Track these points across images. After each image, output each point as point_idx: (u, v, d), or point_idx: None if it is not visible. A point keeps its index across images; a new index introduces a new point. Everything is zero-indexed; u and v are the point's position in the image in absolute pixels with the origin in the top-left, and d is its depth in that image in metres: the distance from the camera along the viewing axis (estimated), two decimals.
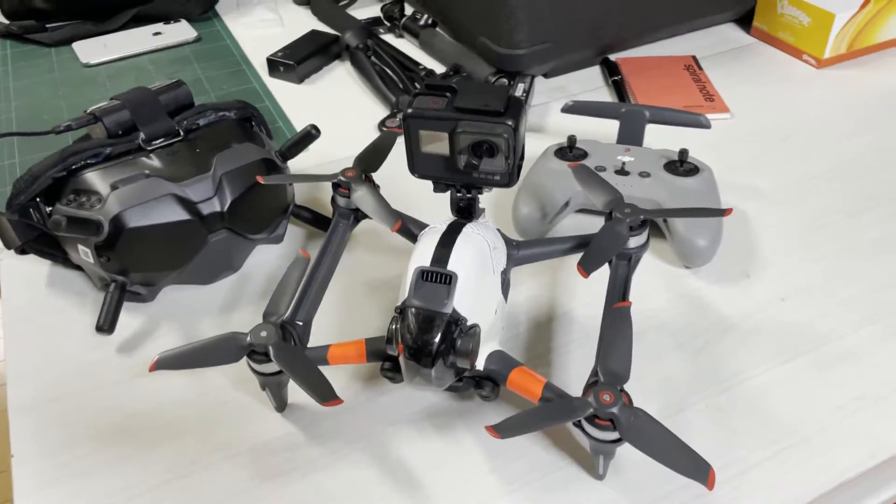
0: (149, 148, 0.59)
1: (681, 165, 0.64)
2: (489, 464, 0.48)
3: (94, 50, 0.98)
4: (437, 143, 0.45)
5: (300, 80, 0.92)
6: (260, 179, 0.57)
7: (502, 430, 0.42)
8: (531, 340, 0.56)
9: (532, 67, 0.86)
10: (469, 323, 0.43)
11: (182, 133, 0.61)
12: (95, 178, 0.57)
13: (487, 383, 0.46)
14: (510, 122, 0.43)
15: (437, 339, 0.42)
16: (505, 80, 0.85)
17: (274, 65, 0.92)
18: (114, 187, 0.56)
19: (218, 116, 0.64)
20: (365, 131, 0.82)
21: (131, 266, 0.57)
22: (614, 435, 0.42)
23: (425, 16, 0.98)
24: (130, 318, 0.60)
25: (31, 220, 0.58)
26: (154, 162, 0.58)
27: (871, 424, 0.49)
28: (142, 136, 0.60)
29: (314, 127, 0.63)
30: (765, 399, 0.51)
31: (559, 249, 0.53)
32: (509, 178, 0.45)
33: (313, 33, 0.97)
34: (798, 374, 0.53)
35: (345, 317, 0.59)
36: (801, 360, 0.54)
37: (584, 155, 0.66)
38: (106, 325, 0.56)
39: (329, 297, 0.60)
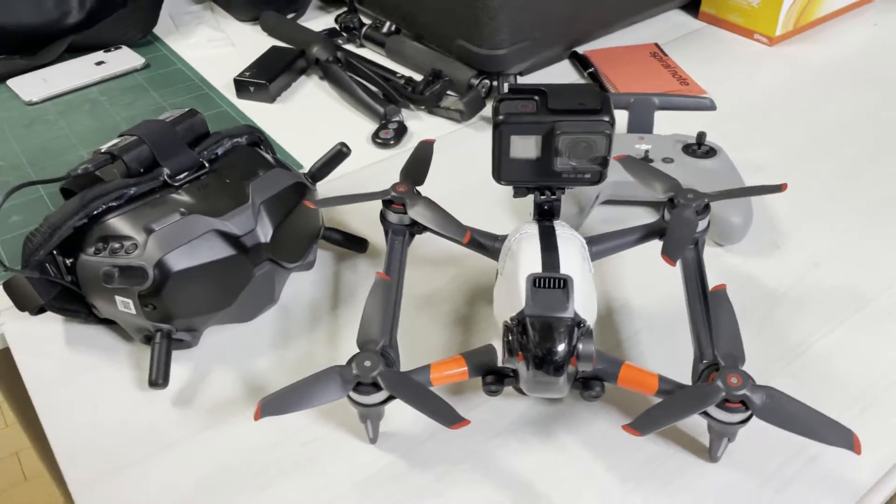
0: (176, 184, 0.55)
1: (699, 148, 0.66)
2: (601, 463, 0.48)
3: (33, 86, 0.90)
4: (527, 147, 0.44)
5: (273, 99, 0.88)
6: (309, 204, 0.54)
7: (642, 428, 0.42)
8: (598, 335, 0.56)
9: (513, 66, 0.87)
10: (586, 324, 0.43)
11: (207, 164, 0.57)
12: (125, 222, 0.53)
13: (598, 383, 0.46)
14: (607, 119, 0.43)
15: (563, 346, 0.41)
16: (487, 82, 0.85)
17: (243, 85, 0.88)
18: (149, 230, 0.52)
19: (233, 143, 0.60)
20: (353, 145, 0.79)
21: (178, 312, 0.53)
22: (743, 416, 0.42)
23: (388, 23, 0.96)
24: (177, 366, 0.55)
25: (49, 275, 0.53)
26: (185, 198, 0.54)
27: None
28: (166, 171, 0.55)
29: (344, 145, 0.60)
30: (832, 362, 0.54)
31: (628, 241, 0.53)
32: (600, 176, 0.45)
33: (275, 50, 0.93)
34: (855, 334, 0.56)
35: (403, 336, 0.57)
36: (853, 321, 0.57)
37: None
38: (160, 378, 0.51)
39: (409, 311, 0.58)
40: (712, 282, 0.60)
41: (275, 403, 0.43)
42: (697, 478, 0.47)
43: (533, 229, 0.46)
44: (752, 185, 0.56)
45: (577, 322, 0.42)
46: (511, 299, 0.44)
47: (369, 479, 0.47)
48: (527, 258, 0.44)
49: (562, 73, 0.92)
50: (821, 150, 0.76)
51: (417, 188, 0.56)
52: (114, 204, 0.54)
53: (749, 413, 0.42)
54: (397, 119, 0.82)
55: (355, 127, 0.83)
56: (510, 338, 0.43)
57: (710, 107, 0.70)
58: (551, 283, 0.42)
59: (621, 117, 0.77)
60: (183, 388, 0.54)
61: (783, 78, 0.89)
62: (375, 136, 0.80)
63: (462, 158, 0.77)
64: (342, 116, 0.85)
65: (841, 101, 0.84)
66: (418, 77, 0.89)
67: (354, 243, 0.64)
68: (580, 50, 0.95)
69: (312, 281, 0.63)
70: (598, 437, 0.49)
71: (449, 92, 0.86)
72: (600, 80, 0.88)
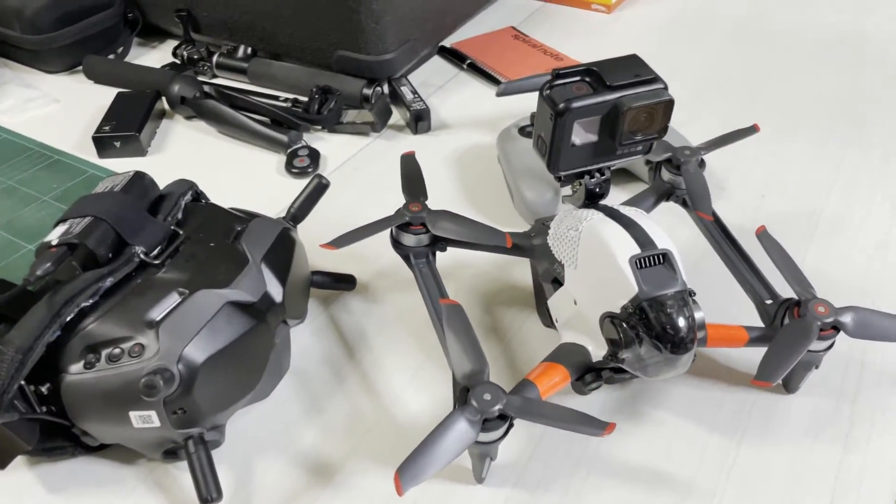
0: (156, 261, 0.46)
1: None
2: (701, 426, 0.48)
3: None
4: (588, 131, 0.43)
5: (145, 151, 0.77)
6: (329, 247, 0.48)
7: (769, 377, 0.42)
8: None
9: (401, 69, 0.84)
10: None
11: (180, 232, 0.48)
12: (115, 322, 0.43)
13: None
14: (664, 85, 0.42)
15: (688, 321, 0.41)
16: (381, 89, 0.82)
17: (105, 142, 0.75)
18: (150, 323, 0.43)
19: (185, 201, 0.52)
20: (259, 180, 0.72)
21: (209, 408, 0.44)
22: (832, 341, 0.45)
23: (241, 47, 0.88)
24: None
25: (29, 412, 0.42)
26: (175, 275, 0.45)
27: None
28: (139, 249, 0.46)
29: (320, 177, 0.54)
30: (821, 273, 0.59)
31: (647, 207, 0.54)
32: (652, 146, 0.45)
33: (125, 97, 0.81)
34: (823, 242, 0.62)
35: (442, 358, 0.53)
36: (819, 232, 0.63)
37: None
38: (213, 490, 0.42)
39: (425, 334, 0.54)
40: (687, 233, 0.62)
41: (412, 471, 0.38)
42: (786, 410, 0.49)
43: (596, 214, 0.45)
44: (731, 132, 0.59)
45: (690, 292, 0.42)
46: (608, 288, 0.42)
47: None
48: (616, 242, 0.42)
49: (436, 70, 0.91)
50: (728, 101, 0.82)
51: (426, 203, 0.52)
52: (88, 303, 0.43)
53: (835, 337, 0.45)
54: (303, 144, 0.75)
55: (257, 161, 0.75)
56: (625, 326, 0.41)
57: None
58: (653, 260, 0.41)
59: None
60: (233, 494, 0.45)
61: (641, 41, 0.96)
62: (290, 166, 0.73)
63: (397, 169, 0.73)
64: (235, 153, 0.76)
65: (708, 52, 0.92)
66: (301, 98, 0.83)
67: (343, 282, 0.58)
68: (447, 44, 0.95)
69: (311, 333, 0.56)
70: (679, 404, 0.50)
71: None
72: (483, 69, 0.88)
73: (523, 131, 0.68)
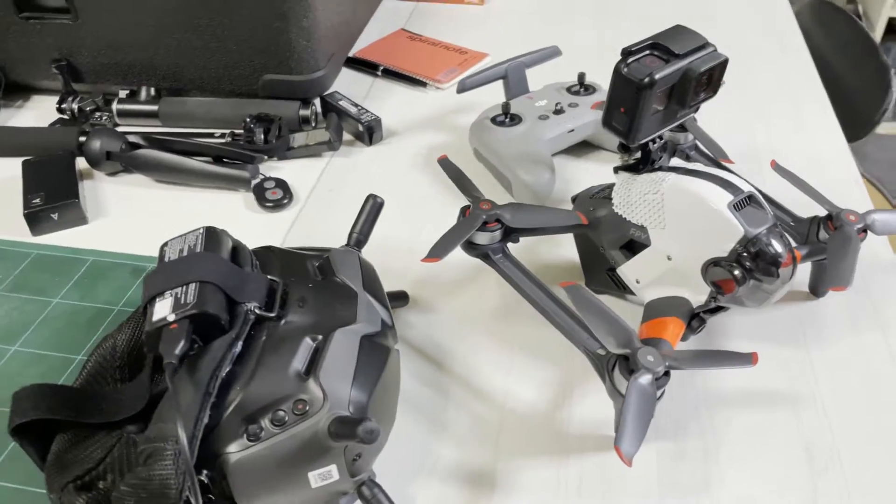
0: (271, 314, 0.43)
1: (584, 89, 0.74)
2: (777, 342, 0.54)
3: None
4: (660, 100, 0.47)
5: (87, 218, 0.68)
6: (431, 260, 0.47)
7: (845, 280, 0.49)
8: None
9: (331, 85, 0.82)
10: None
11: (276, 279, 0.45)
12: (266, 385, 0.40)
13: None
14: (714, 47, 0.47)
15: (788, 247, 0.46)
16: (316, 107, 0.79)
17: (39, 217, 0.66)
18: (302, 376, 0.40)
19: (253, 251, 0.48)
20: (231, 222, 0.68)
21: (376, 449, 0.42)
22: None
23: (143, 89, 0.81)
24: None
25: None
26: (297, 322, 0.43)
27: None
28: (252, 306, 0.42)
29: (374, 196, 0.52)
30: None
31: None
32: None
33: (35, 164, 0.71)
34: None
35: (524, 349, 0.54)
36: (763, 170, 0.72)
37: (520, 117, 0.70)
38: None
39: (501, 328, 0.55)
40: None
41: (630, 442, 0.40)
42: (824, 311, 0.57)
43: (669, 175, 0.49)
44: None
45: (776, 223, 0.47)
46: (710, 237, 0.47)
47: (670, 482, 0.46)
48: (708, 194, 0.47)
49: (351, 81, 0.90)
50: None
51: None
52: (224, 374, 0.40)
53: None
54: (267, 177, 0.71)
55: (217, 203, 0.70)
56: (745, 264, 0.46)
57: (558, 52, 0.78)
58: (745, 202, 0.47)
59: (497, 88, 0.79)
60: None
61: (507, 25, 1.01)
62: (263, 201, 0.69)
63: (373, 177, 0.72)
64: (187, 200, 0.71)
65: (571, 28, 1.00)
66: (237, 131, 0.78)
67: (397, 299, 0.57)
68: (350, 53, 0.94)
69: None
70: (746, 331, 0.56)
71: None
72: (401, 73, 0.89)
73: (495, 121, 0.70)
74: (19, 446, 0.45)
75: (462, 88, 0.73)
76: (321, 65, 0.78)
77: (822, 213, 0.55)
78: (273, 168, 0.75)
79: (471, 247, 0.52)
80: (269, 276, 0.45)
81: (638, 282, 0.52)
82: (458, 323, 0.57)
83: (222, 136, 0.77)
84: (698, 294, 0.49)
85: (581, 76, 0.74)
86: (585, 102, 0.72)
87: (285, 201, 0.69)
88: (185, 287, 0.41)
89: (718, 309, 0.51)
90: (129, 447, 0.45)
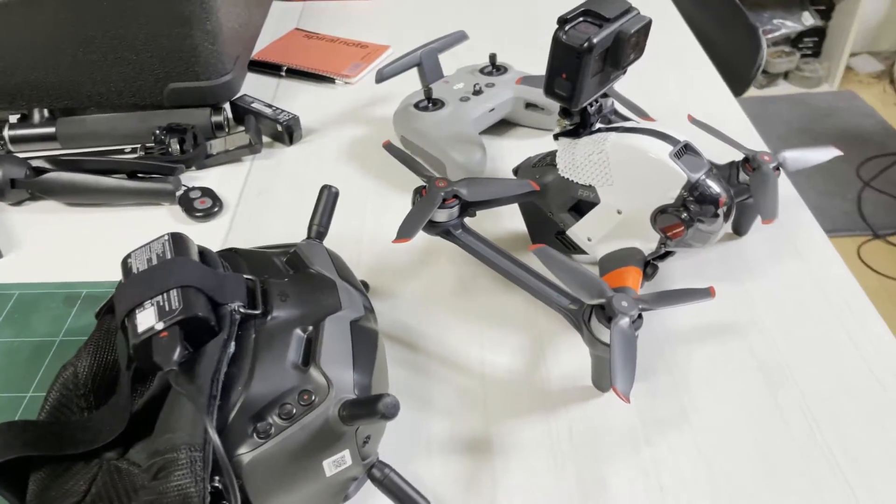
0: (258, 311, 0.42)
1: (496, 69, 0.77)
2: (713, 279, 0.59)
3: None
4: (598, 63, 0.49)
5: (0, 253, 0.64)
6: (402, 240, 0.47)
7: (773, 213, 0.54)
8: None
9: (240, 88, 0.80)
10: None
11: (251, 277, 0.44)
12: (266, 382, 0.39)
13: None
14: (637, 10, 0.50)
15: (726, 189, 0.50)
16: (227, 113, 0.78)
17: None
18: (298, 367, 0.40)
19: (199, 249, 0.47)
20: (154, 233, 0.65)
21: (381, 430, 0.43)
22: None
23: (37, 112, 0.76)
24: None
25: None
26: (284, 316, 0.42)
27: None
28: (236, 306, 0.41)
29: (328, 187, 0.52)
30: None
31: None
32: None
33: None
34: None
35: (487, 318, 0.56)
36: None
37: (442, 101, 0.72)
38: (422, 499, 0.42)
39: (463, 303, 0.56)
40: None
41: (624, 380, 0.42)
42: (750, 246, 0.62)
43: (610, 135, 0.52)
44: None
45: (712, 167, 0.51)
46: (656, 186, 0.50)
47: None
48: (649, 146, 0.50)
49: (255, 84, 0.88)
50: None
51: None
52: (223, 374, 0.39)
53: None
54: (190, 187, 0.69)
55: (140, 220, 0.67)
56: (690, 208, 0.49)
57: (464, 37, 0.79)
58: (682, 151, 0.50)
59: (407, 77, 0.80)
60: None
61: (396, 17, 1.02)
62: (192, 212, 0.67)
63: (301, 175, 0.71)
64: (106, 220, 0.67)
65: (459, 12, 1.02)
66: (148, 144, 0.75)
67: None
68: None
69: None
70: (685, 274, 0.60)
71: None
72: (306, 72, 0.88)
73: (418, 107, 0.71)
74: None
75: (380, 78, 0.73)
76: (228, 68, 0.77)
77: (739, 157, 0.60)
78: (193, 178, 0.73)
79: (431, 226, 0.53)
80: (246, 276, 0.44)
81: (589, 239, 0.55)
82: (421, 304, 0.58)
83: (133, 150, 0.74)
84: (648, 242, 0.53)
85: (492, 57, 0.76)
86: (501, 82, 0.75)
87: (215, 209, 0.67)
88: (166, 294, 0.40)
89: (667, 254, 0.54)
90: (113, 474, 0.43)
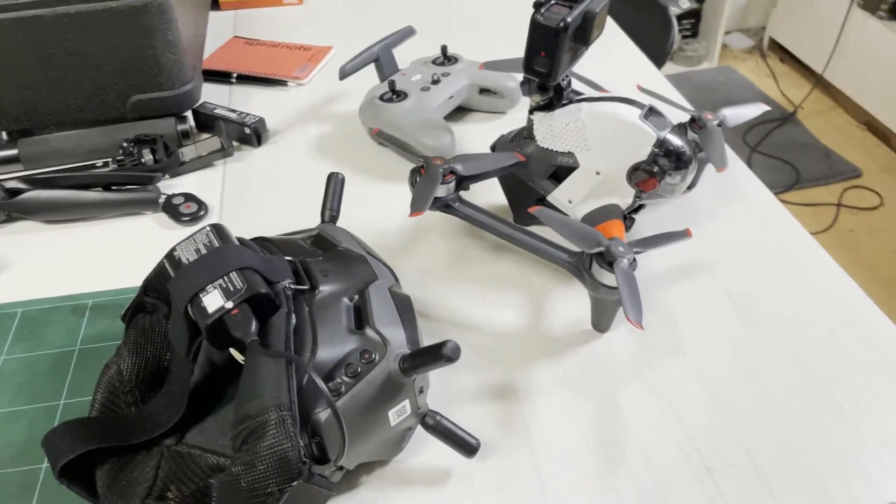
0: (306, 286, 0.45)
1: (448, 60, 0.82)
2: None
3: None
4: (570, 40, 0.55)
5: None
6: (417, 213, 0.52)
7: (724, 162, 0.62)
8: None
9: (200, 95, 0.82)
10: None
11: (290, 257, 0.47)
12: (331, 346, 0.43)
13: None
14: None
15: (690, 142, 0.57)
16: (190, 120, 0.79)
17: None
18: (355, 330, 0.44)
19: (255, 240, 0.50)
20: (147, 246, 0.67)
21: (428, 383, 0.47)
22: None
23: None
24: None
25: (310, 460, 0.40)
26: (329, 289, 0.46)
27: None
28: (286, 283, 0.45)
29: (335, 173, 0.56)
30: None
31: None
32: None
33: None
34: None
35: (482, 282, 0.61)
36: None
37: (405, 92, 0.76)
38: (473, 439, 0.46)
39: (459, 272, 0.61)
40: None
41: (635, 310, 0.48)
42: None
43: (583, 104, 0.58)
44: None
45: (675, 124, 0.58)
46: (630, 146, 0.56)
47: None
48: (621, 111, 0.56)
49: (207, 93, 0.89)
50: (503, 39, 0.98)
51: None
52: (292, 343, 0.42)
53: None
54: (172, 194, 0.71)
55: (123, 231, 0.68)
56: (660, 162, 0.56)
57: (413, 31, 0.84)
58: (649, 112, 0.57)
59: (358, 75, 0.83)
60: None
61: (330, 19, 1.06)
62: (178, 217, 0.68)
63: (277, 173, 0.74)
64: (89, 232, 0.68)
65: (392, 11, 1.07)
66: (118, 158, 0.75)
67: None
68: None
69: None
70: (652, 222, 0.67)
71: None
72: (258, 77, 0.90)
73: (383, 99, 0.76)
74: (67, 488, 0.43)
75: (343, 75, 0.77)
76: (189, 76, 0.78)
77: (685, 118, 0.68)
78: (169, 186, 0.74)
79: (433, 201, 0.58)
80: (289, 258, 0.47)
81: (570, 202, 0.61)
82: (422, 278, 0.62)
83: (105, 164, 0.74)
84: (625, 198, 0.59)
85: (444, 49, 0.82)
86: (455, 71, 0.80)
87: (202, 213, 0.69)
88: (226, 277, 0.42)
89: (640, 207, 0.61)
90: (176, 458, 0.45)
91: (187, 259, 0.44)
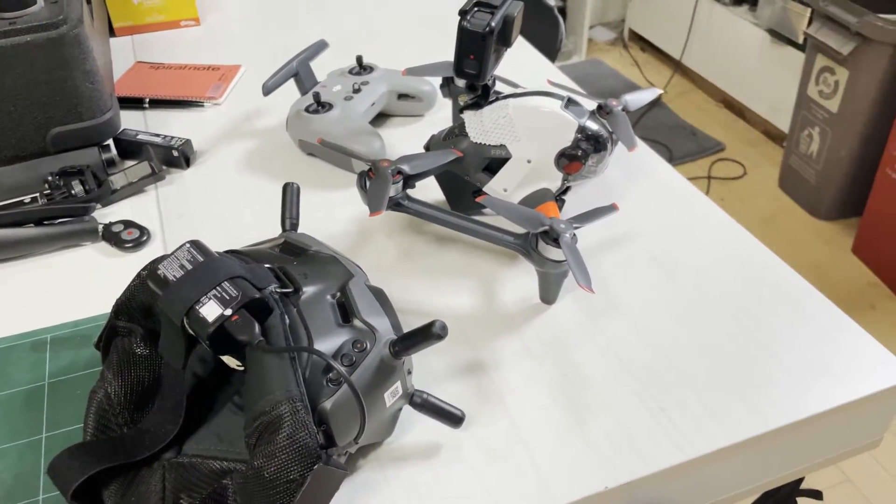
0: (291, 289, 0.48)
1: (364, 69, 0.85)
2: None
3: None
4: (494, 45, 0.61)
5: None
6: (376, 213, 0.55)
7: (634, 142, 0.69)
8: None
9: (121, 122, 0.81)
10: None
11: (268, 264, 0.50)
12: (325, 340, 0.46)
13: None
14: None
15: (605, 125, 0.64)
16: (113, 153, 0.79)
17: None
18: (342, 325, 0.47)
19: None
20: (93, 277, 0.67)
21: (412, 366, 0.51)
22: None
23: None
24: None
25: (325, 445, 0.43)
26: (312, 290, 0.49)
27: None
28: (273, 287, 0.47)
29: (290, 183, 0.58)
30: None
31: None
32: None
33: None
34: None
35: (442, 273, 0.66)
36: None
37: (329, 103, 0.79)
38: (458, 411, 0.51)
39: (406, 268, 0.65)
40: None
41: (585, 277, 0.54)
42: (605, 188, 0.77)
43: (509, 99, 0.64)
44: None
45: (591, 111, 0.65)
46: (555, 134, 0.63)
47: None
48: (544, 104, 0.62)
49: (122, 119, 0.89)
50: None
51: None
52: (291, 341, 0.45)
53: None
54: (109, 221, 0.71)
55: (68, 260, 0.68)
56: (582, 146, 0.63)
57: (325, 44, 0.87)
58: (568, 103, 0.63)
59: (287, 90, 0.85)
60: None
61: (230, 35, 1.07)
62: (121, 244, 0.69)
63: (213, 191, 0.75)
64: (26, 269, 0.67)
65: (287, 25, 1.09)
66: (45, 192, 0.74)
67: None
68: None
69: None
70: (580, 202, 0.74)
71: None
72: (171, 100, 0.91)
73: (309, 111, 0.78)
74: None
75: (267, 91, 0.79)
76: (109, 104, 0.78)
77: (593, 105, 0.75)
78: (103, 215, 0.74)
79: (393, 201, 0.62)
80: (268, 265, 0.50)
81: (505, 190, 0.67)
82: (376, 275, 0.66)
83: (34, 200, 0.73)
84: (554, 182, 0.65)
85: (359, 59, 0.85)
86: (373, 79, 0.84)
87: (144, 238, 0.70)
88: (219, 287, 0.45)
89: (568, 189, 0.67)
90: (179, 469, 0.47)
91: (174, 276, 0.46)
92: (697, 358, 0.58)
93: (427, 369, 0.57)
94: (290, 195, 0.58)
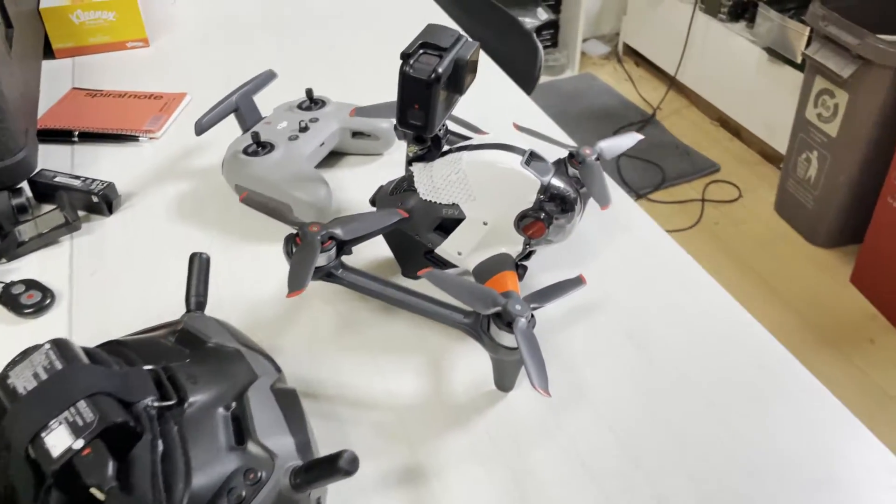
0: (171, 401, 0.39)
1: (315, 103, 0.77)
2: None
3: None
4: (442, 91, 0.52)
5: None
6: (296, 293, 0.47)
7: (608, 200, 0.61)
8: None
9: (36, 162, 0.73)
10: None
11: (151, 366, 0.41)
12: (208, 472, 0.37)
13: None
14: (467, 36, 0.54)
15: (573, 184, 0.56)
16: (27, 192, 0.70)
17: None
18: (235, 448, 0.39)
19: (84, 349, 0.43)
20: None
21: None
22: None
23: None
24: None
25: None
26: (201, 400, 0.40)
27: None
28: (148, 401, 0.38)
29: (198, 254, 0.50)
30: None
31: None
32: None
33: None
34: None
35: (398, 336, 0.57)
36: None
37: (271, 143, 0.71)
38: None
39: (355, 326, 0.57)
40: None
41: (540, 377, 0.45)
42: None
43: (462, 154, 0.55)
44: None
45: (556, 167, 0.56)
46: (514, 194, 0.54)
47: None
48: (501, 159, 0.54)
49: (45, 156, 0.80)
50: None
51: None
52: (160, 477, 0.36)
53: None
54: (9, 282, 0.62)
55: None
56: (546, 208, 0.54)
57: (274, 75, 0.78)
58: (530, 158, 0.55)
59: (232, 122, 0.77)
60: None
61: (183, 58, 0.99)
62: (19, 309, 0.60)
63: (133, 244, 0.66)
64: None
65: (241, 47, 1.01)
66: None
67: None
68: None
69: None
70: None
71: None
72: (102, 133, 0.82)
73: (247, 152, 0.70)
74: None
75: (200, 130, 0.70)
76: (21, 143, 0.69)
77: (564, 154, 0.66)
78: (7, 271, 0.65)
79: (314, 272, 0.53)
80: (147, 367, 0.41)
81: (460, 253, 0.58)
82: (308, 352, 0.57)
83: None
84: (515, 245, 0.57)
85: (309, 92, 0.77)
86: (323, 115, 0.75)
87: (47, 302, 0.61)
88: (73, 408, 0.36)
89: (530, 253, 0.59)
90: None
91: (24, 388, 0.37)
92: (677, 464, 0.49)
93: (353, 478, 0.48)
94: (197, 268, 0.49)
